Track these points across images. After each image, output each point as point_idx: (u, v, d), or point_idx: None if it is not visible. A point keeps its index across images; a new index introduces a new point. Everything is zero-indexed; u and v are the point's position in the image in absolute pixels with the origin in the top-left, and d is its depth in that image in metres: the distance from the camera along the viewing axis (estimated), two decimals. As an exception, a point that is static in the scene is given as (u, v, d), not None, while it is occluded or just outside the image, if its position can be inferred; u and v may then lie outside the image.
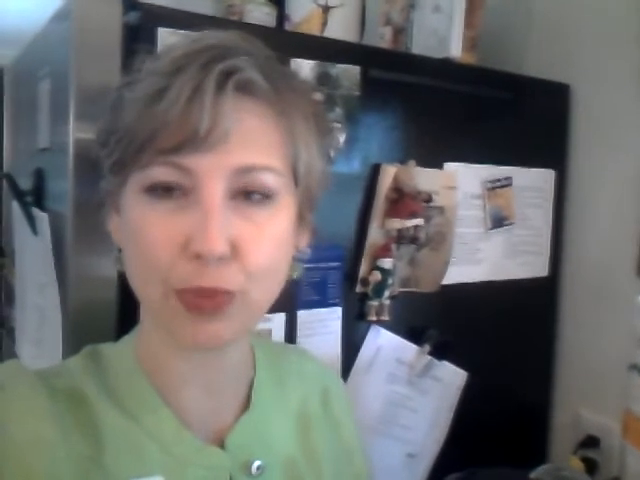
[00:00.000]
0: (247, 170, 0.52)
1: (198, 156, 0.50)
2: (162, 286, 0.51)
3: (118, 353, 0.62)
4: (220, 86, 0.50)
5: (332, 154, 0.63)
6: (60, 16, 0.89)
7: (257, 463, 0.61)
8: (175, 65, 0.50)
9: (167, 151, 0.50)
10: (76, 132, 0.80)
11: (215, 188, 0.50)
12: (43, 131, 0.98)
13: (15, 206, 1.08)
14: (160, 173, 0.51)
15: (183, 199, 0.51)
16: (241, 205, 0.52)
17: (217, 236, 0.49)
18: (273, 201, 0.54)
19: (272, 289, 0.57)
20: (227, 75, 0.50)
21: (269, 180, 0.53)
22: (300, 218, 0.60)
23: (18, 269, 1.19)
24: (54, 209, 0.91)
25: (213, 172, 0.50)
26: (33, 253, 1.01)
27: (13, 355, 1.19)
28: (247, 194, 0.53)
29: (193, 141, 0.49)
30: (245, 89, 0.52)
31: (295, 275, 0.62)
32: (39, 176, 0.99)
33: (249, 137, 0.52)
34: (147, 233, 0.51)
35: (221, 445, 0.61)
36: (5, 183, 1.06)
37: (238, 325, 0.55)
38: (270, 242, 0.54)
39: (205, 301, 0.51)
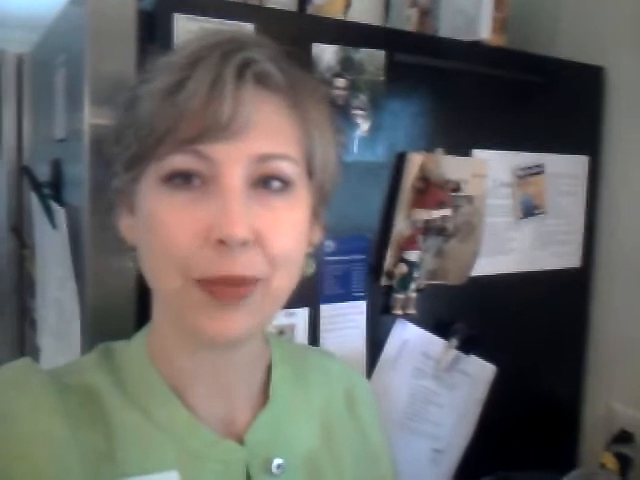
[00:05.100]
0: (266, 158, 0.53)
1: (219, 144, 0.51)
2: (181, 276, 0.52)
3: (131, 350, 0.62)
4: (240, 76, 0.51)
5: (342, 151, 0.63)
6: (75, 2, 0.88)
7: (278, 461, 0.61)
8: (193, 57, 0.51)
9: (188, 140, 0.51)
10: (91, 119, 0.79)
11: (235, 175, 0.51)
12: (60, 120, 0.96)
13: (34, 198, 1.07)
14: (180, 161, 0.51)
15: (202, 188, 0.52)
16: (260, 193, 0.53)
17: (240, 221, 0.49)
18: (291, 190, 0.55)
19: (291, 279, 0.57)
20: (245, 66, 0.51)
21: (287, 168, 0.54)
22: (314, 213, 0.60)
23: (39, 261, 1.18)
24: (71, 202, 0.89)
25: (233, 160, 0.51)
26: (52, 246, 1.00)
27: (35, 347, 1.18)
28: (265, 183, 0.53)
29: (214, 130, 0.50)
30: (261, 80, 0.53)
31: (309, 272, 0.62)
32: (56, 167, 0.98)
33: (267, 126, 0.53)
34: (166, 222, 0.51)
35: (239, 441, 0.60)
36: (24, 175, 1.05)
37: (258, 316, 0.55)
38: (290, 229, 0.55)
39: (229, 290, 0.51)
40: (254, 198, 0.52)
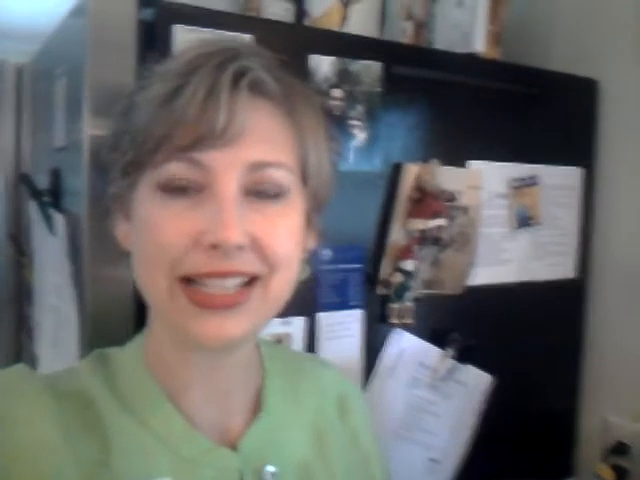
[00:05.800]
0: (260, 166, 0.53)
1: (214, 152, 0.51)
2: (167, 277, 0.52)
3: (126, 356, 0.62)
4: (234, 85, 0.51)
5: (336, 161, 0.64)
6: (76, 13, 0.88)
7: (271, 469, 0.61)
8: (189, 66, 0.52)
9: (184, 148, 0.51)
10: (91, 129, 0.79)
11: (230, 183, 0.52)
12: (59, 130, 0.97)
13: (33, 205, 1.07)
14: (175, 168, 0.52)
15: (197, 195, 0.52)
16: (254, 201, 0.53)
17: (234, 226, 0.50)
18: (285, 198, 0.55)
19: (288, 282, 0.57)
20: (240, 74, 0.52)
21: (280, 176, 0.55)
22: (308, 220, 0.60)
23: (37, 269, 1.18)
24: (70, 210, 0.90)
25: (228, 167, 0.52)
26: (50, 253, 1.01)
27: (33, 355, 1.18)
28: (259, 190, 0.54)
29: (209, 137, 0.50)
30: (256, 88, 0.54)
31: (302, 276, 0.62)
32: (56, 176, 0.98)
33: (261, 134, 0.54)
34: (160, 227, 0.52)
35: (233, 448, 0.60)
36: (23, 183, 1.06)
37: (254, 320, 0.55)
38: (285, 235, 0.55)
39: (219, 297, 0.52)
40: (248, 205, 0.53)
